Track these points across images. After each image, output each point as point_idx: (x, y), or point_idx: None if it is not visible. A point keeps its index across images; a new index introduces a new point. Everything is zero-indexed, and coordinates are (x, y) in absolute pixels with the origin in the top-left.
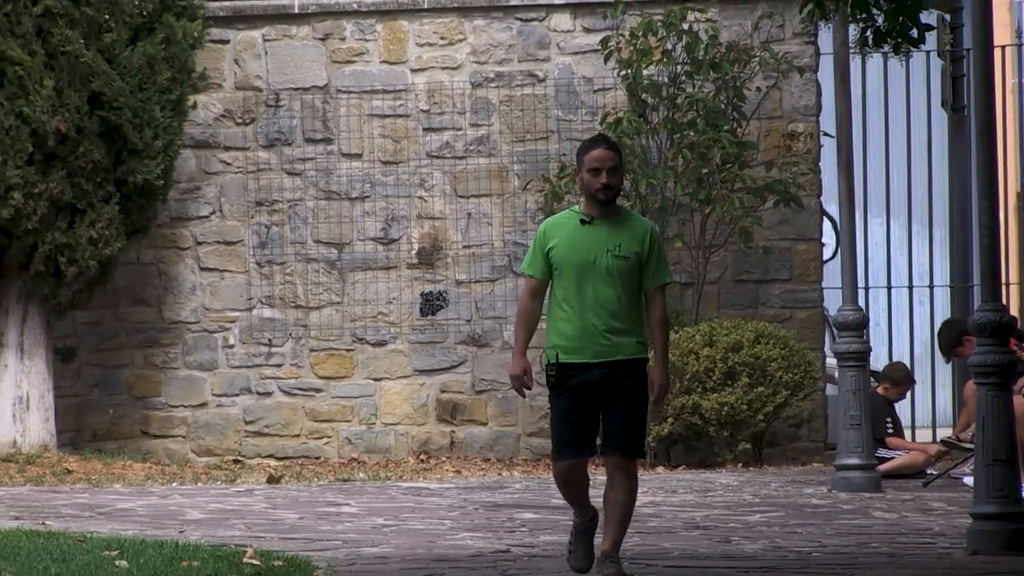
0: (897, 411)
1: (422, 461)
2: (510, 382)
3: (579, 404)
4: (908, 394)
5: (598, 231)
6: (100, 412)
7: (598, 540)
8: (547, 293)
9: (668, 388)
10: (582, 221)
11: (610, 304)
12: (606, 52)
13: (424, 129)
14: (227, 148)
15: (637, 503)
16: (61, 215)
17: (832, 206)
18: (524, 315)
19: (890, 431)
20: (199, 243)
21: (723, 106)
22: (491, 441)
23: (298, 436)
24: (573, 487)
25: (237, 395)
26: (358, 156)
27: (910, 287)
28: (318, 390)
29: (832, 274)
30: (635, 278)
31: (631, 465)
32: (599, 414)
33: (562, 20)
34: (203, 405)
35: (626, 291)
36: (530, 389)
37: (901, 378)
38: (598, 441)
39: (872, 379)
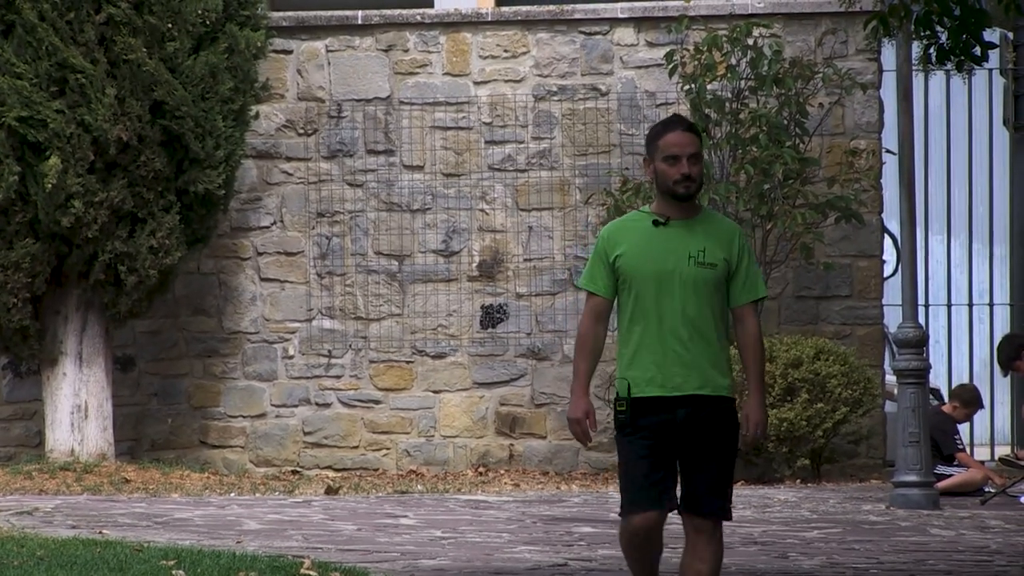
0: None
1: (480, 474)
2: (569, 427)
3: (657, 446)
4: (974, 416)
5: (676, 234)
6: (158, 421)
7: None
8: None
9: (767, 428)
10: (655, 223)
11: (694, 323)
12: (670, 66)
13: (486, 142)
14: (289, 159)
15: None
16: (122, 224)
17: (893, 223)
18: (586, 342)
19: (961, 448)
20: (260, 253)
21: (786, 122)
22: (550, 454)
23: (356, 447)
24: (646, 553)
25: (296, 406)
26: (420, 168)
27: (970, 305)
28: (377, 402)
29: (892, 291)
30: (722, 291)
31: (718, 529)
32: (676, 461)
33: (626, 34)
34: (262, 416)
35: (712, 307)
36: (591, 438)
37: (971, 399)
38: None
39: (931, 397)
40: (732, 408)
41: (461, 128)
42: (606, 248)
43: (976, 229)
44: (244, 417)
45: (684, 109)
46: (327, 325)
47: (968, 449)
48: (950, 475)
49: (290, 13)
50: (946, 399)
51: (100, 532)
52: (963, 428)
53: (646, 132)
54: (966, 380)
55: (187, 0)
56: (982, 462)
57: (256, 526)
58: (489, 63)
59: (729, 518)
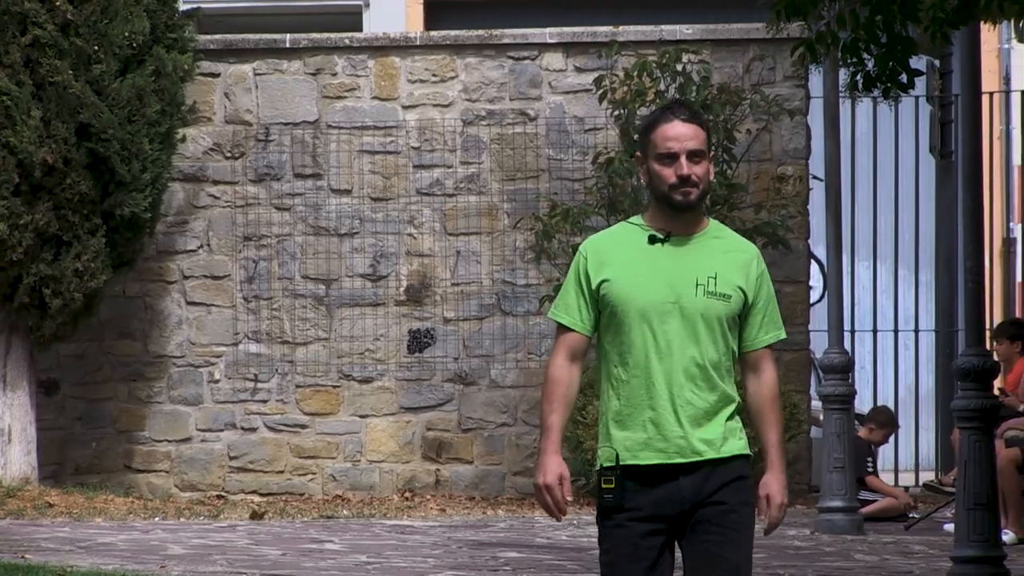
0: (879, 455)
1: (407, 499)
2: (535, 495)
3: (654, 534)
4: (891, 438)
5: (680, 254)
6: (83, 445)
7: None
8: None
9: (786, 505)
10: (652, 239)
11: (702, 369)
12: (600, 92)
13: (414, 166)
14: (216, 182)
15: None
16: (47, 247)
17: (820, 249)
18: (556, 389)
19: (870, 471)
20: (186, 277)
21: (714, 148)
22: (476, 479)
23: (282, 472)
24: None
25: (221, 430)
26: (347, 192)
27: (896, 331)
28: (303, 426)
29: (819, 317)
30: (735, 329)
31: None
32: (675, 543)
33: (554, 59)
34: (187, 440)
35: (722, 348)
36: (566, 510)
37: (886, 421)
38: None
39: (857, 422)
40: (747, 469)
41: (389, 152)
42: (588, 269)
43: (902, 255)
44: (169, 441)
45: (613, 135)
46: (253, 349)
47: (893, 475)
48: (874, 500)
49: (218, 36)
50: None
51: (23, 557)
52: (888, 454)
53: (574, 158)
54: (892, 406)
55: (114, 22)
56: (906, 488)
57: (180, 551)
58: (418, 87)
59: None
